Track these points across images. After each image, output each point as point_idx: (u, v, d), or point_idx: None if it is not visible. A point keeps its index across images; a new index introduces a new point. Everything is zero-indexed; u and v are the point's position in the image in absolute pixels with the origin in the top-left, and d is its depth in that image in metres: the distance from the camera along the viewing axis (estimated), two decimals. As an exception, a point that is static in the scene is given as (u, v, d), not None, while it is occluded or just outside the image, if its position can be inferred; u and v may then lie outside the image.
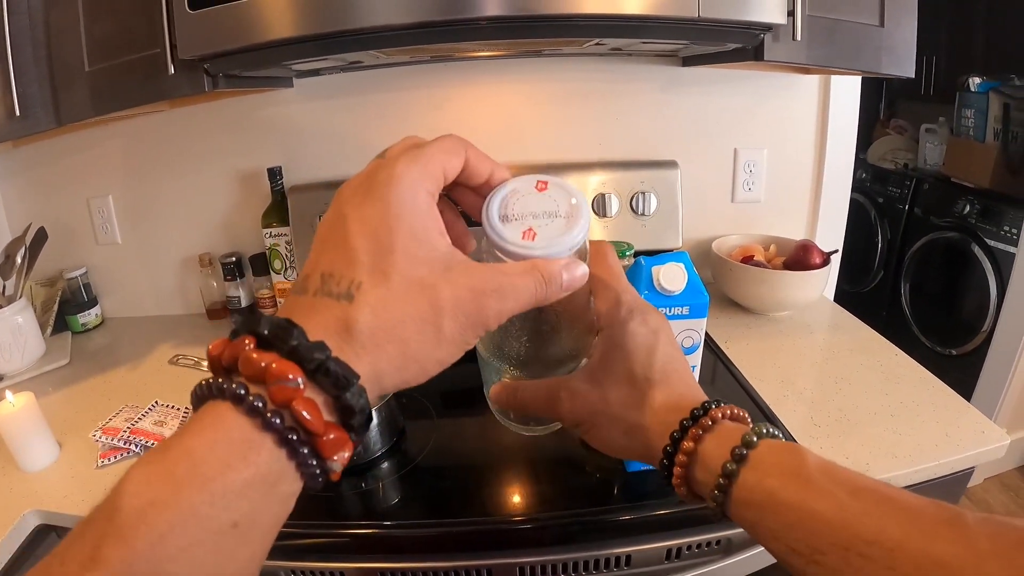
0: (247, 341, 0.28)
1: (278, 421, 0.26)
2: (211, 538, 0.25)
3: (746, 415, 0.38)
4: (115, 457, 0.92)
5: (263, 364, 0.27)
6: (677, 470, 0.37)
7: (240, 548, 0.26)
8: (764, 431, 0.35)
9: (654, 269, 0.67)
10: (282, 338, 0.27)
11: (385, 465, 0.87)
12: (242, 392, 0.26)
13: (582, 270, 0.35)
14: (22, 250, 1.23)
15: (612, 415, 0.40)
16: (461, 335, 0.31)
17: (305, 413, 0.26)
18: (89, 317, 1.45)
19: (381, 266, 0.29)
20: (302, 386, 0.27)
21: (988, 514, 0.28)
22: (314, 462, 0.27)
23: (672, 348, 0.41)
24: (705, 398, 0.39)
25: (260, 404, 0.26)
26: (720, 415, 0.37)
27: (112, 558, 0.23)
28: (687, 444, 0.36)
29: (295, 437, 0.27)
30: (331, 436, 0.27)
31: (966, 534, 0.27)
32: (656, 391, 0.39)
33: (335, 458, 0.28)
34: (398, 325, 0.29)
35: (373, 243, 0.30)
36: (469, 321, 0.31)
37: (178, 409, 1.04)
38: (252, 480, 0.26)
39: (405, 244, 0.30)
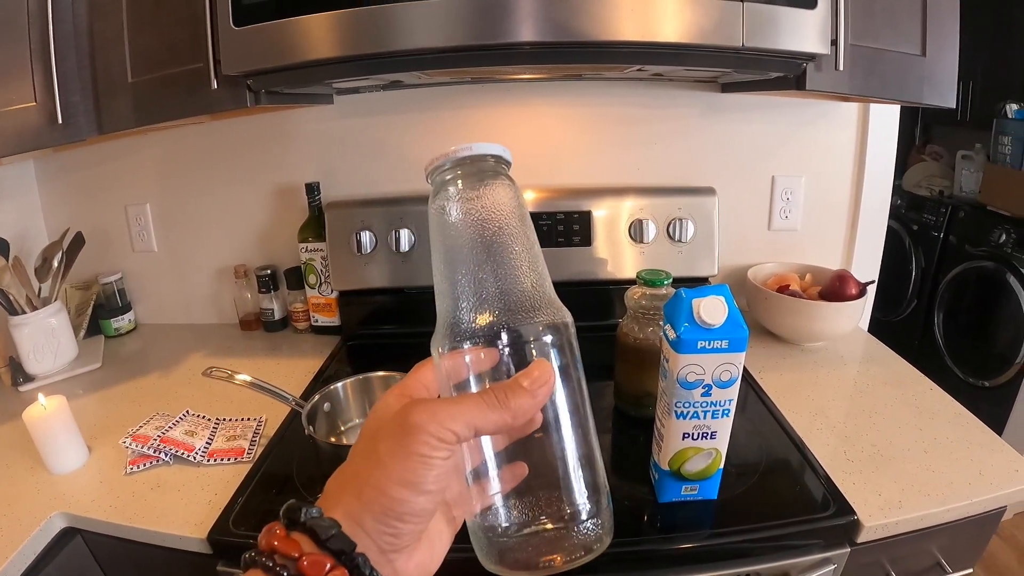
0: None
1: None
2: None
3: None
4: (144, 465, 0.93)
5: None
6: None
7: None
8: None
9: (695, 301, 0.66)
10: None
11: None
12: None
13: None
14: (59, 254, 1.26)
15: None
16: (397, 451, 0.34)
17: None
18: (122, 322, 1.47)
19: None
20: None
21: None
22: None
23: None
24: None
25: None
26: None
27: None
28: None
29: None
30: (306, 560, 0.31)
31: None
32: None
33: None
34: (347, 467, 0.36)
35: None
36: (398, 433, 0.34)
37: (208, 419, 1.04)
38: None
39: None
